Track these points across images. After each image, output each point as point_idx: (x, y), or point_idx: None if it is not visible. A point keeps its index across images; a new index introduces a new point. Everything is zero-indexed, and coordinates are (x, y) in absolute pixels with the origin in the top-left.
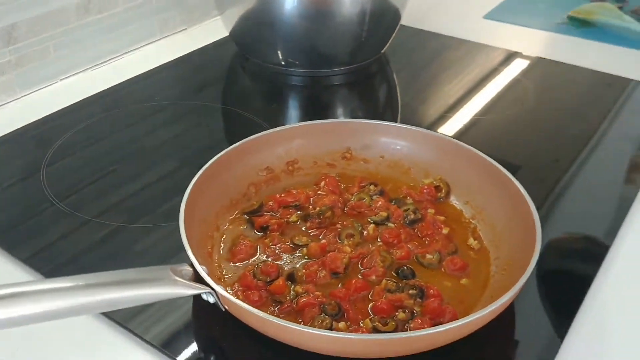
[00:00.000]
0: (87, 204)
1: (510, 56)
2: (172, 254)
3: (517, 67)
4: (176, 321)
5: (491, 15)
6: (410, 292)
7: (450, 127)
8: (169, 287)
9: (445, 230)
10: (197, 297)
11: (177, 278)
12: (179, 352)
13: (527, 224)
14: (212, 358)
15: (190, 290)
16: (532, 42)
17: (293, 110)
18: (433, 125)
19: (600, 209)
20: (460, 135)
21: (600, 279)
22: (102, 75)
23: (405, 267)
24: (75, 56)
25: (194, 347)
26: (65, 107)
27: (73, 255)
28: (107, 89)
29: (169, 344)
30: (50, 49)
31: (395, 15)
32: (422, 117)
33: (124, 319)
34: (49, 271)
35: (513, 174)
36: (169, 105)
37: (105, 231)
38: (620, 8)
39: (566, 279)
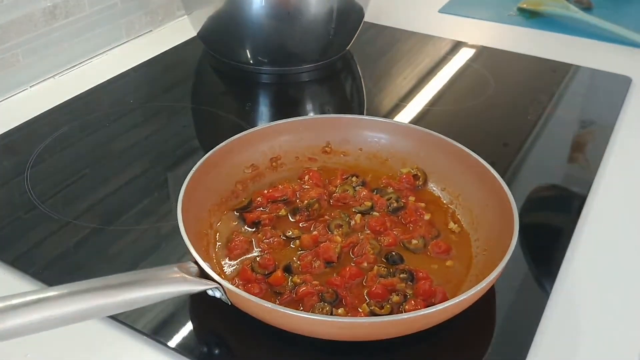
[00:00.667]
0: (66, 207)
1: (463, 47)
2: (150, 252)
3: (468, 57)
4: (176, 314)
5: (445, 9)
6: (401, 276)
7: (411, 115)
8: (180, 285)
9: (427, 216)
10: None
11: (185, 275)
12: (176, 340)
13: (502, 206)
14: (215, 351)
15: (199, 286)
16: (483, 33)
17: (264, 107)
18: (398, 115)
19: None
20: (418, 122)
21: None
22: (71, 80)
23: (393, 253)
24: (44, 62)
25: (192, 336)
26: (39, 114)
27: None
28: (78, 94)
29: (168, 336)
30: (19, 56)
31: (360, 13)
32: (386, 108)
33: (128, 318)
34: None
35: None
36: (140, 107)
37: (84, 233)
38: None
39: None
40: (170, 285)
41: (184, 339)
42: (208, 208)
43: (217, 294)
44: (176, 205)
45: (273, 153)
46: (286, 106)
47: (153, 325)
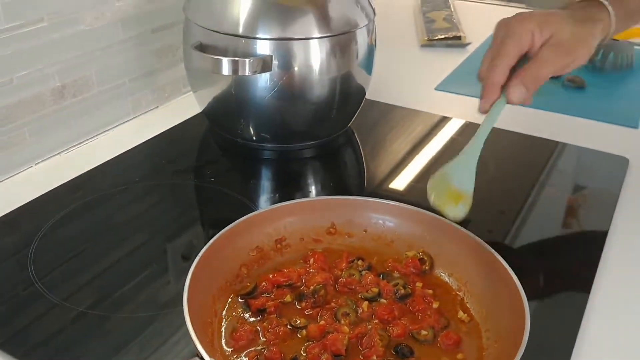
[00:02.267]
0: (66, 289)
1: (458, 125)
2: (162, 342)
3: (452, 132)
4: None
5: (441, 87)
6: None
7: (410, 193)
8: None
9: (435, 305)
10: None
11: None
12: None
13: (512, 298)
14: None
15: None
16: (467, 109)
17: (267, 182)
18: (396, 193)
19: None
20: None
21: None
22: (77, 157)
23: (404, 346)
24: (50, 140)
25: None
26: (44, 193)
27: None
28: (84, 173)
29: None
30: (26, 135)
31: (361, 92)
32: (387, 187)
33: None
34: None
35: (465, 227)
36: (147, 187)
37: (86, 304)
38: (558, 77)
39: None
40: None
41: None
42: (212, 293)
43: None
44: (176, 288)
45: (278, 234)
46: (289, 181)
47: None
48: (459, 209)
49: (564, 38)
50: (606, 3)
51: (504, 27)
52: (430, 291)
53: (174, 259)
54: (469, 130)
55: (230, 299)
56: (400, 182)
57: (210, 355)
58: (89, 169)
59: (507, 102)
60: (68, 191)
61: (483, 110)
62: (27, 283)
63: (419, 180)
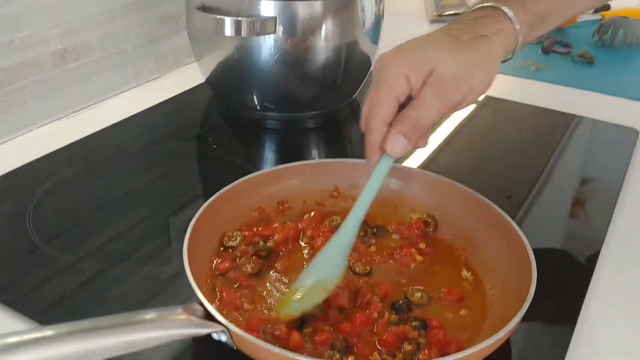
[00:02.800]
0: (68, 249)
1: None
2: (152, 296)
3: (473, 106)
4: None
5: None
6: (414, 324)
7: (416, 163)
8: (185, 327)
9: (419, 258)
10: (197, 338)
11: (191, 317)
12: None
13: (518, 253)
14: None
15: (205, 329)
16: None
17: (270, 152)
18: (399, 161)
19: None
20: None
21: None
22: (78, 122)
23: (401, 302)
24: (51, 104)
25: None
26: (44, 155)
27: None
28: (85, 137)
29: None
30: (26, 97)
31: (367, 62)
32: None
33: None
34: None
35: None
36: (146, 151)
37: (86, 275)
38: (568, 53)
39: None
40: (174, 327)
41: None
42: (212, 250)
43: (223, 338)
44: (179, 249)
45: (280, 197)
46: (292, 150)
47: None
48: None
49: (448, 72)
50: (504, 8)
51: (377, 70)
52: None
53: (175, 223)
54: (486, 105)
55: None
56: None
57: (209, 302)
58: (89, 133)
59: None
60: (68, 154)
61: (370, 165)
62: (25, 240)
63: (424, 152)
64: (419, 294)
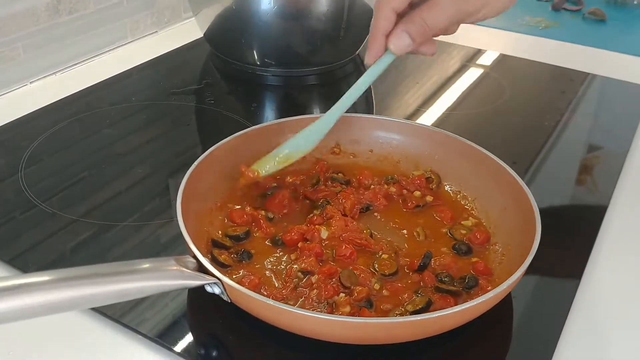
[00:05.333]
0: (67, 206)
1: (478, 54)
2: (157, 253)
3: (484, 64)
4: (172, 313)
5: None
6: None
7: (423, 121)
8: (176, 278)
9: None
10: (192, 290)
11: (183, 269)
12: (175, 343)
13: (522, 208)
14: (213, 353)
15: (197, 281)
16: (498, 41)
17: (270, 109)
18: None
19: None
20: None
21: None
22: (72, 77)
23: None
24: (45, 58)
25: (190, 338)
26: (39, 109)
27: (59, 254)
28: (79, 91)
29: (166, 337)
30: (19, 50)
31: (370, 15)
32: (396, 114)
33: (118, 314)
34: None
35: None
36: (144, 107)
37: (89, 232)
38: (579, 10)
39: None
40: (165, 277)
41: (181, 340)
42: (210, 206)
43: (216, 290)
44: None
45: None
46: (292, 107)
47: (152, 326)
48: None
49: None
50: None
51: None
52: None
53: (169, 174)
54: (484, 60)
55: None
56: (410, 113)
57: (203, 256)
58: (84, 88)
59: (391, 53)
60: (62, 110)
61: (367, 62)
62: (20, 198)
63: (430, 110)
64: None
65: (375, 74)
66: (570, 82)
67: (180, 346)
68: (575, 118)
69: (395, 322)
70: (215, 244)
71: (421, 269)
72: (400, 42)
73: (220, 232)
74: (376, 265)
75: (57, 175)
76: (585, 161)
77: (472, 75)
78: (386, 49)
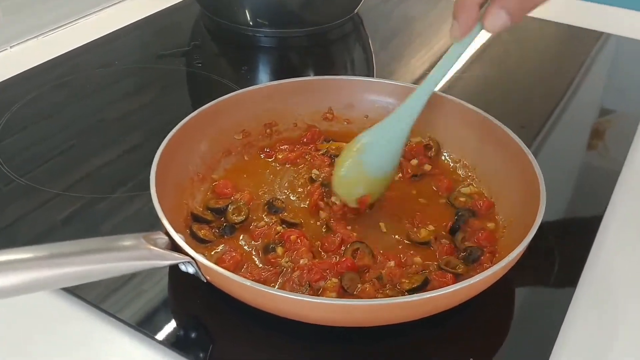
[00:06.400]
0: (50, 179)
1: None
2: (150, 226)
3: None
4: (153, 298)
5: None
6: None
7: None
8: (143, 257)
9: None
10: (174, 270)
11: (151, 247)
12: (157, 330)
13: (526, 178)
14: (193, 335)
15: (167, 260)
16: None
17: (263, 73)
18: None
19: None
20: None
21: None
22: (56, 41)
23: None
24: (27, 21)
25: (172, 324)
26: (18, 75)
27: (41, 232)
28: (63, 54)
29: (146, 322)
30: None
31: None
32: (398, 77)
33: (97, 299)
34: None
35: None
36: (131, 70)
37: (74, 206)
38: None
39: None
40: (131, 257)
41: (161, 325)
42: (191, 176)
43: (190, 270)
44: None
45: (268, 118)
46: (285, 70)
47: (132, 313)
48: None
49: None
50: None
51: None
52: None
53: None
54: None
55: (209, 185)
56: (412, 75)
57: (177, 232)
58: (68, 51)
59: (483, 29)
60: (45, 74)
61: (455, 36)
62: None
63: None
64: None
65: (461, 51)
66: (582, 42)
67: (160, 333)
68: (587, 80)
69: (383, 304)
70: (196, 218)
71: (453, 231)
72: (497, 20)
73: (202, 205)
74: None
75: (37, 146)
76: (597, 125)
77: (481, 36)
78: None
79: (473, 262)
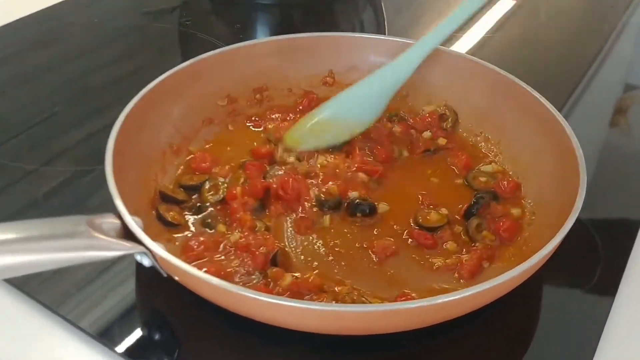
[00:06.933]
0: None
1: None
2: None
3: None
4: (117, 301)
5: None
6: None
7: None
8: (82, 247)
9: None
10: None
11: (95, 234)
12: (118, 341)
13: (562, 155)
14: (158, 340)
15: (113, 250)
16: None
17: (260, 32)
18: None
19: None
20: None
21: None
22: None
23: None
24: None
25: (137, 333)
26: None
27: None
28: (37, 12)
29: (107, 332)
30: None
31: None
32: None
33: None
34: None
35: None
36: (111, 30)
37: (53, 182)
38: None
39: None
40: (67, 247)
41: (122, 333)
42: (162, 148)
43: (145, 262)
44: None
45: (257, 82)
46: (282, 30)
47: (93, 321)
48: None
49: None
50: None
51: None
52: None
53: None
54: None
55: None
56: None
57: (130, 214)
58: (43, 7)
59: None
60: (14, 34)
61: None
62: None
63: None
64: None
65: (473, 8)
66: (611, 9)
67: (122, 345)
68: (616, 48)
69: (374, 311)
70: (165, 197)
71: (468, 215)
72: None
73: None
74: None
75: (10, 117)
76: (620, 101)
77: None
78: None
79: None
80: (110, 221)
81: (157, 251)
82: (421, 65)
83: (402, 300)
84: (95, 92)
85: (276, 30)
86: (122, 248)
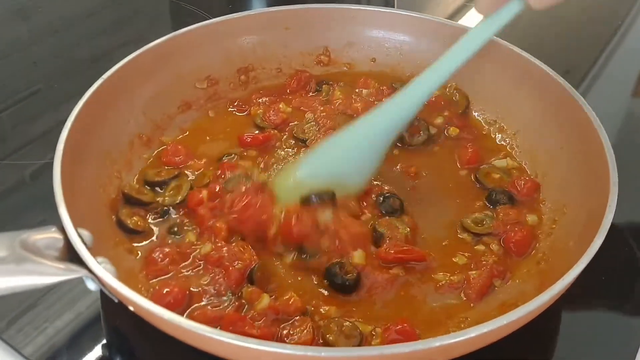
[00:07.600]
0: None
1: None
2: None
3: None
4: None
5: None
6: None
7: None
8: (9, 273)
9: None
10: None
11: (28, 255)
12: None
13: (591, 153)
14: None
15: (50, 275)
16: None
17: (254, 3)
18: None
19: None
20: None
21: None
22: None
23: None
24: None
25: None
26: None
27: None
28: None
29: None
30: None
31: None
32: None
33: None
34: None
35: None
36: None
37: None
38: None
39: None
40: None
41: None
42: (130, 139)
43: (92, 286)
44: None
45: (242, 61)
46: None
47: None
48: None
49: None
50: None
51: None
52: None
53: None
54: None
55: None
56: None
57: (75, 226)
58: None
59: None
60: None
61: (481, 10)
62: None
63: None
64: None
65: (494, 29)
66: None
67: None
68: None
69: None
70: (128, 199)
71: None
72: None
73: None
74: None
75: None
76: None
77: None
78: None
79: None
80: (50, 236)
81: (103, 276)
82: (427, 39)
83: (397, 329)
84: (80, 67)
85: (273, 4)
86: (59, 273)
